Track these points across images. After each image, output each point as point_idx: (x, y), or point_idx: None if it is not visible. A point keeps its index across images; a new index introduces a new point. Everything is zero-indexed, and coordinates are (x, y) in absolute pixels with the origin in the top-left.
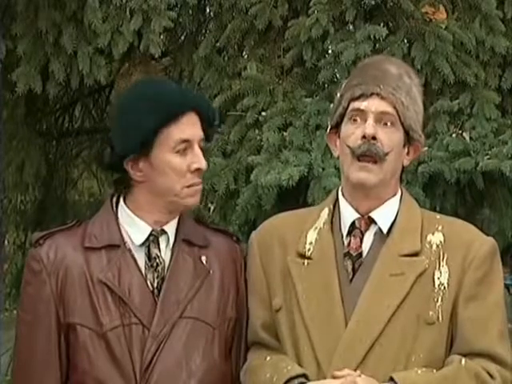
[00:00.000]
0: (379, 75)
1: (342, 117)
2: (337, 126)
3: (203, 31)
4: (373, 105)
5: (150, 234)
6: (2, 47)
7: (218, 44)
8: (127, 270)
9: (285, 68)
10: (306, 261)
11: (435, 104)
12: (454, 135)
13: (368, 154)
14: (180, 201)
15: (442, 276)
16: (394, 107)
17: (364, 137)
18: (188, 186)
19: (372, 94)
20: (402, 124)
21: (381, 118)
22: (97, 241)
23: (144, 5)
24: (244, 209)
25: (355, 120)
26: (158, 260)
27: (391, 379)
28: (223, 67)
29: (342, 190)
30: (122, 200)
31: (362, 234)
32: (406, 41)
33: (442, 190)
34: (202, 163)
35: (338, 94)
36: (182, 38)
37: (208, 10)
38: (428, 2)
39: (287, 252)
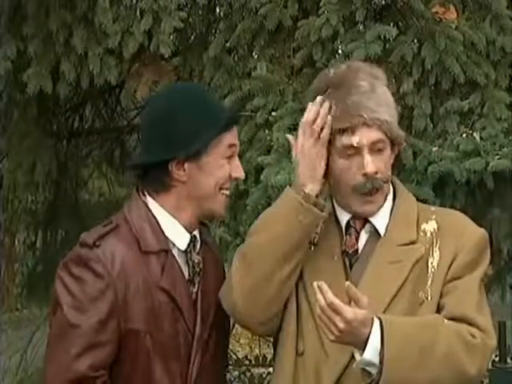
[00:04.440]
0: (357, 100)
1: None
2: None
3: (213, 31)
4: (363, 137)
5: (190, 240)
6: (12, 48)
7: (227, 44)
8: (177, 276)
9: (295, 68)
10: (312, 246)
11: (445, 104)
12: (464, 135)
13: (373, 191)
14: (212, 205)
15: (435, 260)
16: (382, 130)
17: (364, 174)
18: (221, 188)
19: (358, 125)
20: (389, 138)
21: (374, 147)
22: (150, 245)
23: (154, 5)
24: (254, 209)
25: (349, 155)
26: (199, 266)
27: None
28: (233, 67)
29: (332, 193)
30: (151, 199)
31: (358, 233)
32: (416, 41)
33: (452, 190)
34: (242, 173)
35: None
36: (192, 38)
37: (218, 10)
38: (438, 2)
39: None
